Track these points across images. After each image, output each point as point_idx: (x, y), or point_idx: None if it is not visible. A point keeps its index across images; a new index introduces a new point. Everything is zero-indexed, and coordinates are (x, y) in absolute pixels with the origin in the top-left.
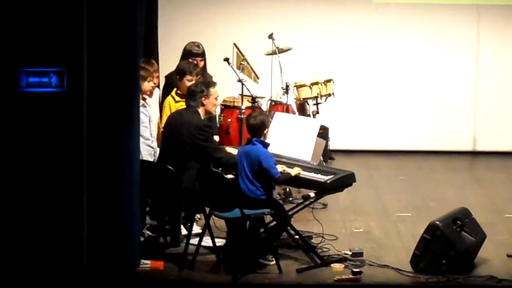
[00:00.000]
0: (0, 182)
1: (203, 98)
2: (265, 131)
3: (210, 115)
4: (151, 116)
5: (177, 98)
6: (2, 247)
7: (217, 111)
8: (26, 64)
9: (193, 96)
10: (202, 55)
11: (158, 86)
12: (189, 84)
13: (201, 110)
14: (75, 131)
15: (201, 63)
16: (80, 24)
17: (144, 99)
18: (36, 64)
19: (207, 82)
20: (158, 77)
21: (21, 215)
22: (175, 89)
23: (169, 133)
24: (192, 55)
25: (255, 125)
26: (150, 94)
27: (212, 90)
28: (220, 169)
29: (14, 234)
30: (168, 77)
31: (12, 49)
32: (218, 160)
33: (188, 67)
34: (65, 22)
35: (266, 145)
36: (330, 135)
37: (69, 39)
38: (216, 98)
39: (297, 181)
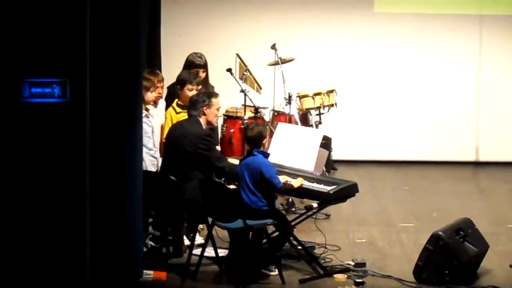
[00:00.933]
0: (4, 192)
1: (205, 108)
2: (263, 142)
3: (211, 126)
4: (154, 127)
5: (178, 109)
6: (6, 256)
7: (219, 121)
8: (29, 74)
9: (194, 105)
10: (204, 66)
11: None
12: (189, 93)
13: (202, 120)
14: (77, 142)
15: (203, 74)
16: (82, 35)
17: (147, 109)
18: (39, 75)
19: (209, 93)
20: (163, 87)
21: (24, 225)
22: (176, 100)
23: (171, 143)
24: (194, 66)
25: (253, 136)
26: (155, 104)
27: (214, 100)
28: (223, 179)
29: (17, 243)
30: (170, 88)
31: (15, 59)
32: (221, 169)
33: (188, 77)
34: (68, 32)
35: (266, 155)
36: (333, 145)
37: (72, 50)
38: (218, 109)
39: (300, 192)
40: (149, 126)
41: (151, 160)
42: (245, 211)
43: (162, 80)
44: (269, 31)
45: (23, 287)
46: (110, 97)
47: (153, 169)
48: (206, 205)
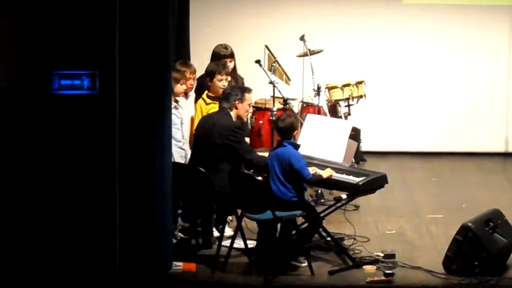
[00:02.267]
0: (34, 185)
1: (237, 102)
2: (294, 133)
3: (241, 120)
4: (183, 118)
5: (208, 101)
6: (37, 249)
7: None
8: (59, 66)
9: (227, 98)
10: (231, 56)
11: None
12: (219, 84)
13: (233, 114)
14: (107, 134)
15: (231, 64)
16: (112, 27)
17: (176, 101)
18: (68, 67)
19: (243, 87)
20: (195, 78)
21: (54, 219)
22: (206, 91)
23: (201, 135)
24: (220, 56)
25: (284, 127)
26: (186, 96)
27: (247, 95)
28: (252, 171)
29: (48, 237)
30: (199, 80)
31: (45, 52)
32: (249, 161)
33: (217, 68)
34: (97, 25)
35: (296, 147)
36: (362, 136)
37: (101, 42)
38: (249, 105)
39: (329, 183)
40: (178, 118)
41: (179, 151)
42: (274, 202)
43: (195, 71)
44: (298, 23)
45: (54, 280)
46: (139, 89)
47: (182, 161)
48: (235, 197)
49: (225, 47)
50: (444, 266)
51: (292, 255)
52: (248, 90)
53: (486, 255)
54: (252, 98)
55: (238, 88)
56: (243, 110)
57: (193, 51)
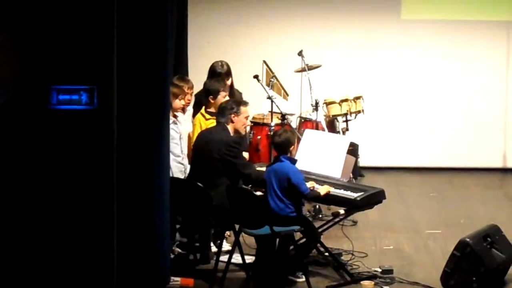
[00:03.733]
0: (32, 199)
1: (233, 115)
2: (291, 148)
3: (239, 134)
4: (181, 133)
5: (207, 116)
6: (33, 262)
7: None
8: (57, 81)
9: (223, 112)
10: (227, 73)
11: None
12: (224, 100)
13: (230, 128)
14: (105, 149)
15: (228, 82)
16: (110, 42)
17: (175, 116)
18: (66, 82)
19: (239, 101)
20: (192, 94)
21: (52, 232)
22: (203, 107)
23: (199, 150)
24: (216, 74)
25: (281, 142)
26: (183, 111)
27: (242, 108)
28: (250, 186)
29: (45, 250)
30: (197, 96)
31: (43, 66)
32: (247, 176)
33: (221, 85)
34: (95, 40)
35: (294, 162)
36: (360, 152)
37: (99, 57)
38: (246, 118)
39: (327, 198)
40: (177, 133)
41: (178, 166)
42: (272, 217)
43: (192, 87)
44: (296, 38)
45: None
46: (138, 104)
47: (180, 176)
48: (233, 212)
49: (222, 65)
50: (442, 282)
51: (290, 270)
52: (244, 103)
53: (484, 271)
54: (248, 111)
55: (233, 102)
56: (240, 123)
57: (191, 67)
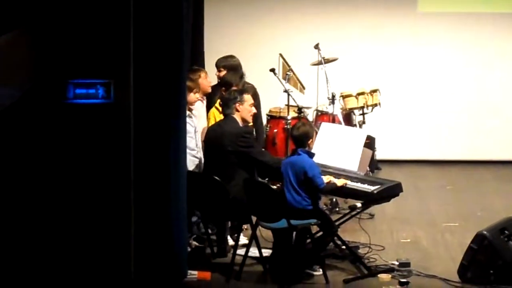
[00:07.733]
0: (49, 194)
1: (237, 104)
2: (309, 142)
3: (247, 123)
4: (197, 127)
5: (221, 109)
6: (52, 256)
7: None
8: (74, 75)
9: (227, 103)
10: (224, 66)
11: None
12: None
13: (238, 118)
14: (121, 142)
15: (221, 74)
16: (127, 36)
17: (190, 109)
18: (83, 76)
19: (240, 89)
20: (206, 77)
21: (69, 226)
22: (218, 100)
23: (211, 144)
24: (233, 68)
25: (299, 136)
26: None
27: (245, 96)
28: (267, 179)
29: (63, 243)
30: (212, 88)
31: (60, 60)
32: (264, 163)
33: (235, 79)
34: (112, 34)
35: (311, 155)
36: (377, 145)
37: (116, 51)
38: (251, 105)
39: (344, 191)
40: (192, 126)
41: (193, 160)
42: (289, 211)
43: (206, 73)
44: (312, 31)
45: (69, 286)
46: (154, 98)
47: (196, 169)
48: (250, 205)
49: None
50: (459, 275)
51: (307, 263)
52: (246, 90)
53: (501, 263)
54: (251, 98)
55: (236, 91)
56: (245, 111)
57: (207, 60)
